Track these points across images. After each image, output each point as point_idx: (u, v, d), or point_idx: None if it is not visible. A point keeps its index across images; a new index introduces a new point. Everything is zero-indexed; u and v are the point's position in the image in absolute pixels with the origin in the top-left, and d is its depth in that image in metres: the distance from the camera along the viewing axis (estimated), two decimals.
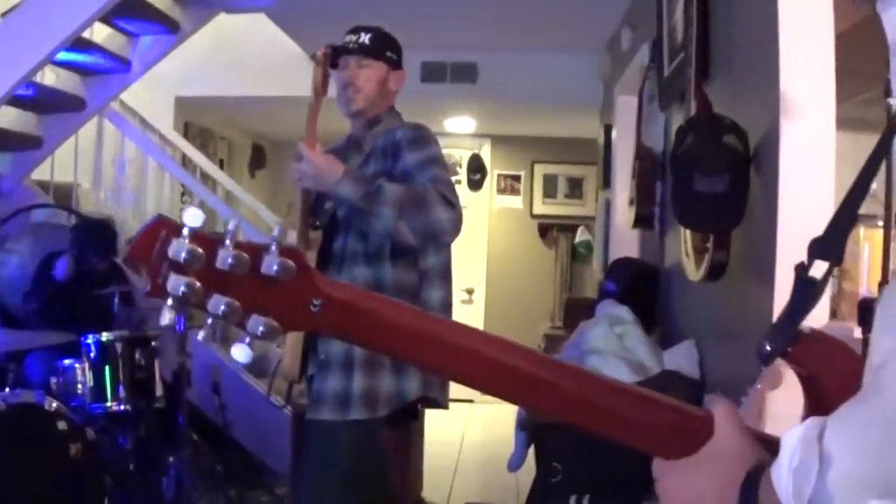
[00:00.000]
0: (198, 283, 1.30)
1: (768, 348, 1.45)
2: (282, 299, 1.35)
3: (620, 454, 4.38)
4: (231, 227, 1.34)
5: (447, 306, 4.51)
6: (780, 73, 3.85)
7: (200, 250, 1.30)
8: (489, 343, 1.40)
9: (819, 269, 1.44)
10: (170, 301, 1.31)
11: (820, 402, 1.45)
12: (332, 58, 4.57)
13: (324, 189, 4.19)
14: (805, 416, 1.43)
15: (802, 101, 3.82)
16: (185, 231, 1.30)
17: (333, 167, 4.19)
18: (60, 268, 7.11)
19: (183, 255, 1.29)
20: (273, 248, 1.32)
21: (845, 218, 1.46)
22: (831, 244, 1.45)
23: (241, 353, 1.37)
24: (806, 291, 1.44)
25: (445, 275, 4.54)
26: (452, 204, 4.20)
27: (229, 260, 1.30)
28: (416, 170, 4.30)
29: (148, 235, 1.32)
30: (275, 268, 1.32)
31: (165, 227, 1.32)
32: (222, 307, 1.31)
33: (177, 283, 1.29)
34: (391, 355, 1.48)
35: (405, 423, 4.81)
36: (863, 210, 3.56)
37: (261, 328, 1.33)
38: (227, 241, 1.31)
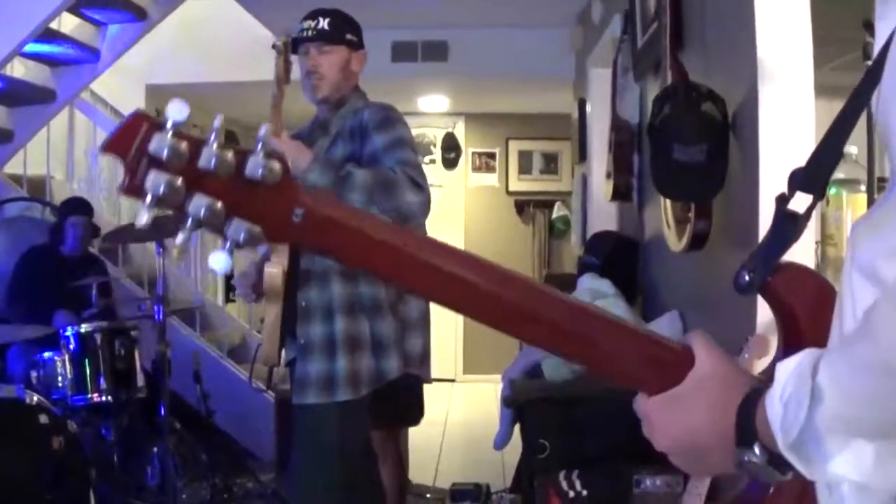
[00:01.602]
0: (179, 180, 1.24)
1: (747, 278, 1.46)
2: (265, 205, 1.29)
3: (607, 428, 4.36)
4: (216, 124, 1.28)
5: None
6: (757, 39, 3.83)
7: (184, 146, 1.24)
8: (472, 267, 1.38)
9: (801, 202, 1.44)
10: (148, 199, 1.24)
11: (794, 334, 1.47)
12: (293, 46, 4.55)
13: (295, 173, 4.15)
14: (780, 348, 1.49)
15: (780, 65, 3.81)
16: (169, 125, 1.24)
17: (301, 154, 4.19)
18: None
19: (165, 150, 1.23)
20: (259, 149, 1.27)
21: (828, 153, 1.46)
22: (813, 177, 1.44)
23: (219, 261, 1.28)
24: (786, 224, 1.45)
25: None
26: (421, 186, 4.23)
27: (213, 159, 1.24)
28: (383, 152, 4.31)
29: (127, 130, 1.26)
30: (260, 170, 1.26)
31: (147, 122, 1.25)
32: (203, 209, 1.25)
33: (157, 181, 1.23)
34: (372, 274, 1.43)
35: (394, 420, 4.83)
36: (845, 174, 3.56)
37: (242, 234, 1.27)
38: (212, 139, 1.25)
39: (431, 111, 13.57)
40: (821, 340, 1.32)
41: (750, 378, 1.37)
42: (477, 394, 12.25)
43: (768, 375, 1.31)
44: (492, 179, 14.17)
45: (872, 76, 1.32)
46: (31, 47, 7.26)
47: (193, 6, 8.76)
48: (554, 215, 13.16)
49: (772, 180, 3.74)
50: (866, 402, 1.14)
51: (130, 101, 10.50)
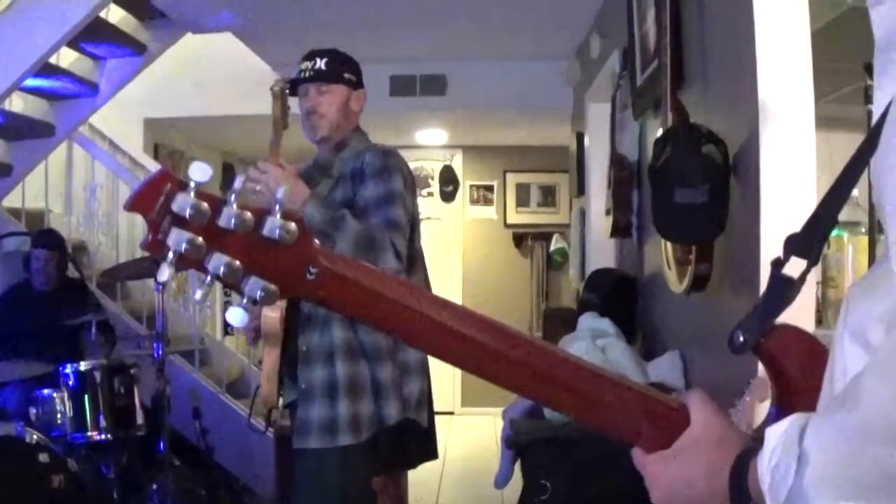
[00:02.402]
0: (200, 239, 1.28)
1: (741, 338, 1.47)
2: (280, 264, 1.33)
3: (609, 470, 4.35)
4: (237, 185, 1.32)
5: None
6: (759, 81, 3.83)
7: (206, 205, 1.28)
8: (481, 327, 1.41)
9: (796, 266, 1.45)
10: (170, 256, 1.28)
11: (786, 393, 1.49)
12: (291, 88, 4.56)
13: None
14: (773, 406, 1.51)
15: (781, 108, 3.80)
16: (192, 185, 1.28)
17: (299, 185, 4.20)
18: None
19: (188, 209, 1.26)
20: (276, 209, 1.30)
21: (824, 218, 1.46)
22: (809, 242, 1.45)
23: (236, 316, 1.32)
24: (781, 288, 1.46)
25: None
26: (400, 257, 4.26)
27: (233, 219, 1.28)
28: (374, 204, 4.32)
29: (152, 187, 1.29)
30: (278, 231, 1.30)
31: (170, 181, 1.29)
32: (222, 267, 1.29)
33: (179, 238, 1.27)
34: (384, 331, 1.51)
35: (394, 465, 4.81)
36: (847, 217, 3.56)
37: (259, 292, 1.31)
38: (232, 199, 1.29)
39: (429, 144, 13.58)
40: (812, 400, 1.35)
41: (744, 438, 1.39)
42: (476, 427, 12.23)
43: (761, 434, 1.33)
44: (490, 212, 14.18)
45: (869, 144, 1.33)
46: (31, 81, 7.27)
47: (192, 40, 8.77)
48: (552, 248, 13.17)
49: (773, 223, 3.74)
50: (850, 466, 1.16)
51: (129, 134, 10.55)
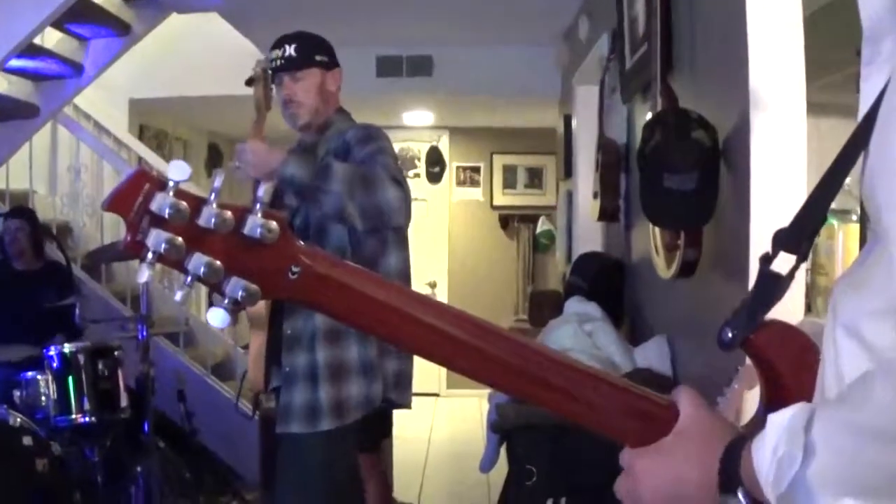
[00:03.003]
0: (179, 239, 1.27)
1: (730, 335, 1.46)
2: (262, 263, 1.32)
3: (595, 456, 4.35)
4: (216, 184, 1.30)
5: None
6: (750, 66, 3.81)
7: (185, 205, 1.26)
8: (464, 325, 1.40)
9: (785, 260, 1.45)
10: (149, 256, 1.26)
11: (776, 389, 1.49)
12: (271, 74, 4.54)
13: (269, 172, 4.07)
14: (762, 401, 1.51)
15: (772, 93, 3.78)
16: (171, 184, 1.26)
17: (272, 153, 4.15)
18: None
19: (167, 209, 1.25)
20: (257, 209, 1.29)
21: (813, 213, 1.46)
22: (797, 238, 1.45)
23: (217, 317, 1.32)
24: (770, 284, 1.45)
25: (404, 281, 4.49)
26: (400, 183, 4.19)
27: (213, 218, 1.27)
28: (364, 160, 4.26)
29: (130, 188, 1.28)
30: (259, 230, 1.29)
31: (149, 181, 1.28)
32: (203, 267, 1.28)
33: (158, 239, 1.26)
34: (366, 331, 1.47)
35: (378, 440, 4.80)
36: (838, 205, 3.53)
37: (240, 292, 1.30)
38: (212, 199, 1.28)
39: (416, 125, 13.58)
40: (802, 397, 1.34)
41: (733, 429, 1.40)
42: (461, 409, 12.24)
43: (750, 427, 1.37)
44: (476, 194, 14.19)
45: (860, 136, 1.32)
46: (15, 62, 7.22)
47: (177, 21, 8.72)
48: (538, 230, 13.16)
49: (763, 209, 3.72)
50: (856, 464, 1.17)
51: (114, 115, 10.50)
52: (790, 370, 1.47)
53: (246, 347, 4.66)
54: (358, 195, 4.02)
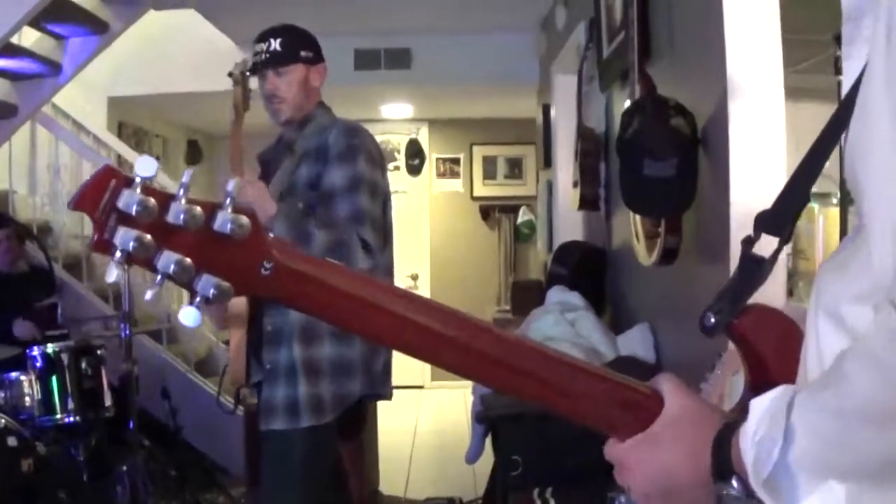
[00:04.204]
0: (148, 237, 1.24)
1: (713, 319, 1.46)
2: (234, 259, 1.29)
3: (581, 445, 4.36)
4: (185, 179, 1.27)
5: None
6: (727, 52, 3.82)
7: (153, 202, 1.23)
8: (440, 317, 1.39)
9: (766, 244, 1.45)
10: (117, 255, 1.24)
11: (760, 373, 1.48)
12: (251, 72, 4.52)
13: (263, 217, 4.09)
14: (747, 385, 1.50)
15: (750, 80, 3.79)
16: (137, 181, 1.23)
17: (267, 201, 4.13)
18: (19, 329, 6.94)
19: (134, 206, 1.22)
20: (227, 204, 1.27)
21: (796, 195, 1.46)
22: (779, 220, 1.45)
23: (189, 316, 1.28)
24: (752, 267, 1.45)
25: (388, 275, 4.51)
26: (371, 251, 4.22)
27: (182, 215, 1.24)
28: (340, 193, 4.27)
29: (96, 185, 1.25)
30: (229, 225, 1.26)
31: (115, 177, 1.25)
32: (173, 265, 1.25)
33: (126, 237, 1.23)
34: (341, 327, 1.44)
35: (356, 431, 4.81)
36: (818, 188, 3.55)
37: (212, 290, 1.27)
38: (181, 195, 1.25)
39: (395, 118, 13.56)
40: (786, 380, 1.34)
41: (721, 414, 1.40)
42: (446, 401, 12.23)
43: (737, 411, 1.35)
44: (456, 185, 14.17)
45: (840, 118, 1.32)
46: None
47: (154, 18, 8.70)
48: (519, 220, 13.16)
49: (742, 195, 3.73)
50: (837, 447, 1.17)
51: (93, 113, 10.46)
52: (774, 353, 1.47)
53: (227, 343, 4.65)
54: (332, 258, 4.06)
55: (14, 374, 6.19)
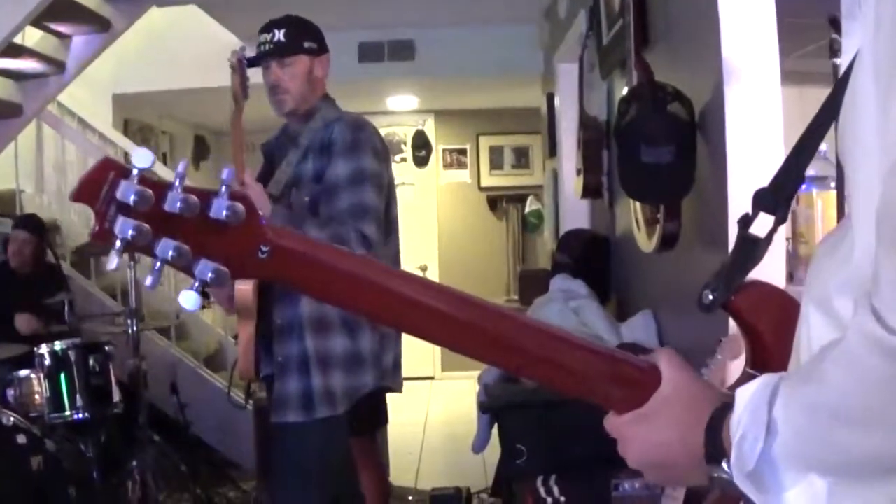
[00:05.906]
0: (146, 226, 1.27)
1: (710, 297, 1.49)
2: (230, 244, 1.33)
3: (584, 434, 4.36)
4: (180, 169, 1.31)
5: None
6: (722, 38, 3.82)
7: (150, 192, 1.27)
8: (438, 295, 1.41)
9: (763, 224, 1.47)
10: (117, 244, 1.28)
11: (760, 350, 1.52)
12: (254, 60, 4.51)
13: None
14: (747, 363, 1.54)
15: (745, 64, 3.80)
16: (135, 172, 1.27)
17: (264, 204, 4.13)
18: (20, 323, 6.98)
19: (132, 196, 1.26)
20: (223, 191, 1.31)
21: (792, 174, 1.48)
22: (777, 198, 1.47)
23: (189, 300, 1.33)
24: (749, 246, 1.48)
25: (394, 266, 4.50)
26: (370, 244, 4.21)
27: (178, 202, 1.28)
28: (344, 185, 4.27)
29: (95, 177, 1.29)
30: (224, 212, 1.30)
31: (113, 169, 1.29)
32: (171, 251, 1.29)
33: (125, 226, 1.27)
34: (340, 307, 1.48)
35: (368, 426, 4.80)
36: (816, 171, 3.55)
37: (210, 274, 1.31)
38: (177, 184, 1.29)
39: (400, 110, 13.55)
40: (785, 356, 1.36)
41: (718, 393, 1.40)
42: (456, 392, 12.21)
43: (735, 388, 1.33)
44: (463, 175, 14.16)
45: (836, 98, 1.32)
46: None
47: (158, 15, 8.72)
48: (527, 210, 13.13)
49: (740, 180, 3.73)
50: (816, 444, 1.18)
51: (98, 111, 10.47)
52: (772, 329, 1.49)
53: (236, 338, 4.65)
54: None
55: (23, 373, 6.22)
